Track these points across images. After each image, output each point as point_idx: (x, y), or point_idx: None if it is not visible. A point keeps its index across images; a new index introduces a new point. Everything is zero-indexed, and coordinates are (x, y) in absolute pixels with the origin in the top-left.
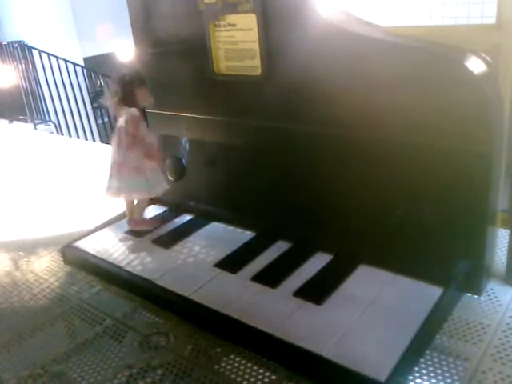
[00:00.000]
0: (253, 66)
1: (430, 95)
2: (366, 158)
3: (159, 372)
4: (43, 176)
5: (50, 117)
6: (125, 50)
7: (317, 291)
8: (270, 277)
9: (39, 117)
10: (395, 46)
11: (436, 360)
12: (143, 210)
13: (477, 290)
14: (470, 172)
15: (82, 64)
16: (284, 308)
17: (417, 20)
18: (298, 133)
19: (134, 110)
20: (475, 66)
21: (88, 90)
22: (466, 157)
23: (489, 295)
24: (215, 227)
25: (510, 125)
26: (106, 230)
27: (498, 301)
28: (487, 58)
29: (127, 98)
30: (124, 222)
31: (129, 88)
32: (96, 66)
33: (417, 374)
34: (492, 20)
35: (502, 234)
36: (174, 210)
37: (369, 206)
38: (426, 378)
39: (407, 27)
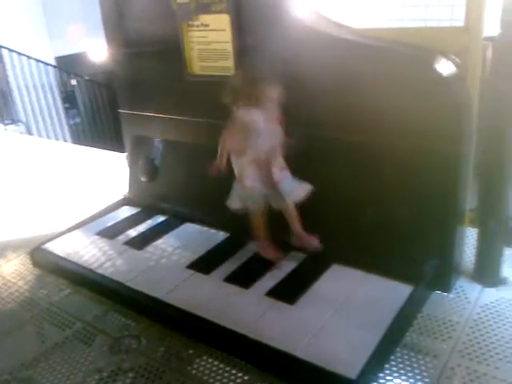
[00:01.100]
0: (226, 66)
1: (401, 96)
2: (336, 157)
3: (130, 375)
4: (12, 177)
5: (20, 117)
6: (97, 50)
7: (289, 291)
8: (243, 277)
9: (9, 117)
10: (366, 47)
11: (406, 357)
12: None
13: (446, 287)
14: (440, 172)
15: (54, 63)
16: (257, 308)
17: (388, 22)
18: None
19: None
20: (445, 67)
21: (59, 89)
22: (435, 157)
23: (457, 293)
24: (188, 228)
25: (479, 125)
26: (76, 232)
27: (466, 298)
28: (456, 59)
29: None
30: (95, 223)
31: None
32: (68, 66)
33: (387, 371)
34: (461, 23)
35: (470, 233)
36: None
37: (340, 206)
38: (396, 375)
39: (378, 29)
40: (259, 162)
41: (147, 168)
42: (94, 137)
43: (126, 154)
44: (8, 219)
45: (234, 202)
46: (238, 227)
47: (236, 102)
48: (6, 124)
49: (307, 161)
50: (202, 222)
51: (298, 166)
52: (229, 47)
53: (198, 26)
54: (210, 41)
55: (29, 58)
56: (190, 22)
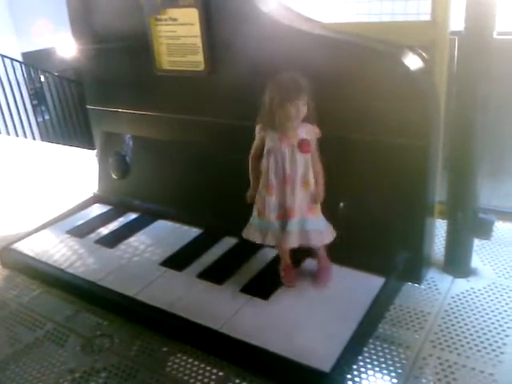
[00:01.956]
0: (196, 61)
1: (368, 90)
2: None
3: (103, 375)
4: None
5: None
6: (65, 45)
7: (263, 286)
8: (217, 274)
9: None
10: (334, 41)
11: (379, 349)
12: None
13: (417, 278)
14: (408, 165)
15: (20, 59)
16: (231, 304)
17: (356, 16)
18: (244, 128)
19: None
20: (412, 61)
21: (27, 86)
22: (403, 151)
23: (428, 284)
24: (161, 225)
25: (446, 119)
26: (46, 231)
27: (437, 289)
28: (423, 54)
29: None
30: (65, 221)
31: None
32: (36, 62)
33: (361, 363)
34: (428, 17)
35: (440, 225)
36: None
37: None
38: (369, 366)
39: (346, 23)
40: (271, 188)
41: (118, 165)
42: (64, 134)
43: (95, 150)
44: None
45: (251, 234)
46: (211, 223)
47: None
48: None
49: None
50: (174, 218)
51: None
52: (198, 41)
53: (166, 20)
54: (178, 35)
55: None
56: (158, 17)
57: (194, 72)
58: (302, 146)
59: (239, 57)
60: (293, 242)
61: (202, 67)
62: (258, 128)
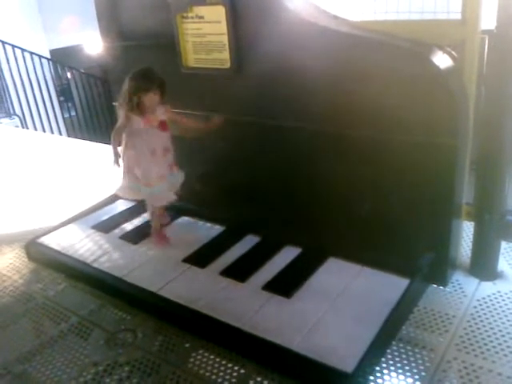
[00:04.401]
0: (222, 59)
1: (397, 90)
2: (335, 152)
3: (126, 369)
4: (7, 171)
5: (14, 110)
6: (92, 43)
7: (286, 285)
8: (239, 271)
9: (3, 110)
10: (363, 40)
11: (402, 351)
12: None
13: (442, 281)
14: (436, 165)
15: (48, 56)
16: (253, 302)
17: (384, 15)
18: (270, 127)
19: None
20: (441, 61)
21: (54, 82)
22: (432, 150)
23: (454, 286)
24: (184, 222)
25: (475, 120)
26: (71, 226)
27: (462, 292)
28: (453, 53)
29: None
30: (90, 217)
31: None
32: (63, 59)
33: (383, 365)
34: (458, 15)
35: (466, 226)
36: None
37: (337, 199)
38: (392, 368)
39: (375, 22)
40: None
41: None
42: (90, 130)
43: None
44: (3, 213)
45: (126, 192)
46: (234, 221)
47: (123, 105)
48: (0, 117)
49: (304, 155)
50: (197, 215)
51: (294, 161)
52: (224, 39)
53: (192, 17)
54: (204, 33)
55: (23, 50)
56: (185, 14)
57: (220, 70)
58: (162, 125)
59: (265, 55)
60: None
61: (228, 65)
62: (121, 111)
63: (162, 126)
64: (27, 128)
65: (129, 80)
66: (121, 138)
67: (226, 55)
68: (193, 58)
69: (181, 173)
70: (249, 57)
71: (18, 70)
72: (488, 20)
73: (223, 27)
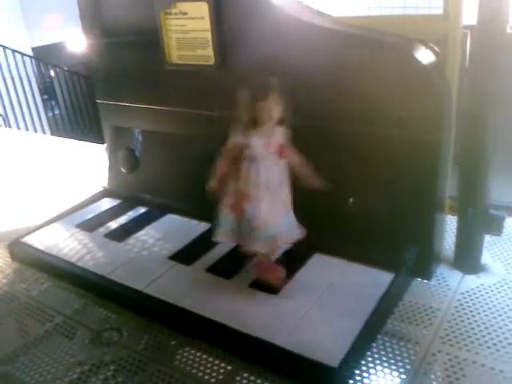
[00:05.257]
0: (206, 55)
1: (381, 84)
2: (318, 146)
3: (112, 368)
4: None
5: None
6: (76, 40)
7: None
8: (226, 268)
9: None
10: (345, 35)
11: (388, 344)
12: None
13: (426, 274)
14: (420, 160)
15: (31, 54)
16: (239, 299)
17: (367, 10)
18: None
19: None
20: (424, 55)
21: (37, 81)
22: (415, 145)
23: (438, 280)
24: (170, 219)
25: (457, 114)
26: (55, 225)
27: (447, 285)
28: (435, 48)
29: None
30: (74, 215)
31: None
32: (46, 56)
33: (369, 359)
34: (440, 11)
35: (450, 221)
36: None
37: (322, 195)
38: (378, 362)
39: (357, 17)
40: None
41: (127, 159)
42: (74, 129)
43: (105, 144)
44: None
45: (224, 236)
46: None
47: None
48: None
49: None
50: (183, 212)
51: None
52: (208, 36)
53: (176, 14)
54: (188, 29)
55: (4, 48)
56: (168, 10)
57: (203, 66)
58: (282, 151)
59: (249, 51)
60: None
61: (211, 61)
62: (236, 134)
63: (282, 151)
64: (10, 127)
65: (243, 89)
66: (230, 164)
67: (209, 52)
68: (176, 54)
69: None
70: (233, 53)
71: (0, 68)
72: (470, 15)
73: (207, 23)
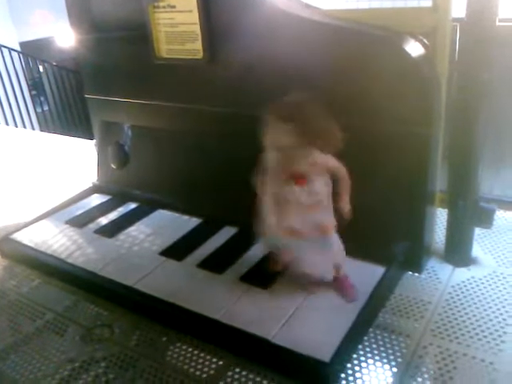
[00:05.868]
0: (194, 49)
1: (370, 78)
2: None
3: (103, 365)
4: None
5: None
6: (64, 35)
7: (263, 276)
8: (217, 263)
9: None
10: (333, 28)
11: (379, 337)
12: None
13: (417, 268)
14: (409, 153)
15: (18, 49)
16: (230, 294)
17: (356, 3)
18: (244, 117)
19: None
20: (413, 48)
21: (25, 76)
22: (404, 138)
23: (429, 273)
24: (160, 215)
25: (447, 107)
26: (45, 221)
27: (437, 278)
28: (424, 40)
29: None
30: (64, 211)
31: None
32: (34, 51)
33: (361, 352)
34: (429, 3)
35: (440, 214)
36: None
37: None
38: (370, 355)
39: (346, 10)
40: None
41: (117, 154)
42: (63, 124)
43: (94, 140)
44: None
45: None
46: (210, 213)
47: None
48: None
49: None
50: (174, 208)
51: None
52: (196, 29)
53: (164, 7)
54: (177, 23)
55: None
56: (156, 4)
57: (192, 60)
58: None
59: (239, 45)
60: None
61: (200, 55)
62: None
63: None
64: None
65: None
66: None
67: (198, 45)
68: (165, 48)
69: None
70: (222, 47)
71: None
72: (459, 7)
73: (195, 16)
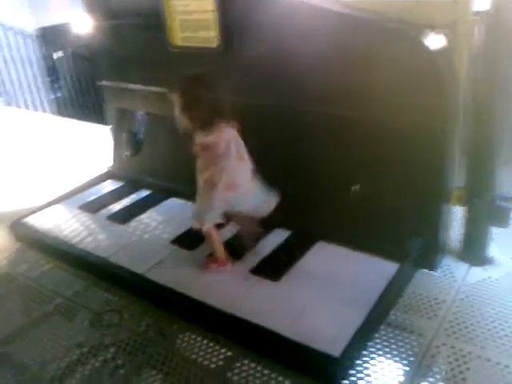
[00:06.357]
0: (209, 37)
1: (388, 71)
2: (325, 133)
3: (112, 350)
4: None
5: (5, 89)
6: (80, 21)
7: (274, 268)
8: (227, 254)
9: None
10: (352, 19)
11: (391, 335)
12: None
13: (432, 265)
14: (426, 148)
15: (35, 34)
16: (241, 285)
17: None
18: (257, 107)
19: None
20: (431, 41)
21: (41, 62)
22: (421, 133)
23: (444, 271)
24: (173, 203)
25: (466, 102)
26: (58, 206)
27: (452, 276)
28: (444, 34)
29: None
30: (77, 197)
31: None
32: (51, 37)
33: (371, 349)
34: None
35: (458, 211)
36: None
37: (328, 182)
38: (380, 353)
39: (365, 1)
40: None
41: (130, 142)
42: (78, 111)
43: (110, 126)
44: None
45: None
46: None
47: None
48: None
49: (292, 137)
50: (186, 196)
51: (285, 143)
52: (211, 17)
53: None
54: (191, 10)
55: (8, 28)
56: None
57: (207, 48)
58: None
59: (253, 33)
60: None
61: (215, 44)
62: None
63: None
64: (19, 107)
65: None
66: None
67: (213, 33)
68: (180, 36)
69: None
70: (237, 35)
71: (3, 49)
72: (479, 1)
73: (210, 4)
